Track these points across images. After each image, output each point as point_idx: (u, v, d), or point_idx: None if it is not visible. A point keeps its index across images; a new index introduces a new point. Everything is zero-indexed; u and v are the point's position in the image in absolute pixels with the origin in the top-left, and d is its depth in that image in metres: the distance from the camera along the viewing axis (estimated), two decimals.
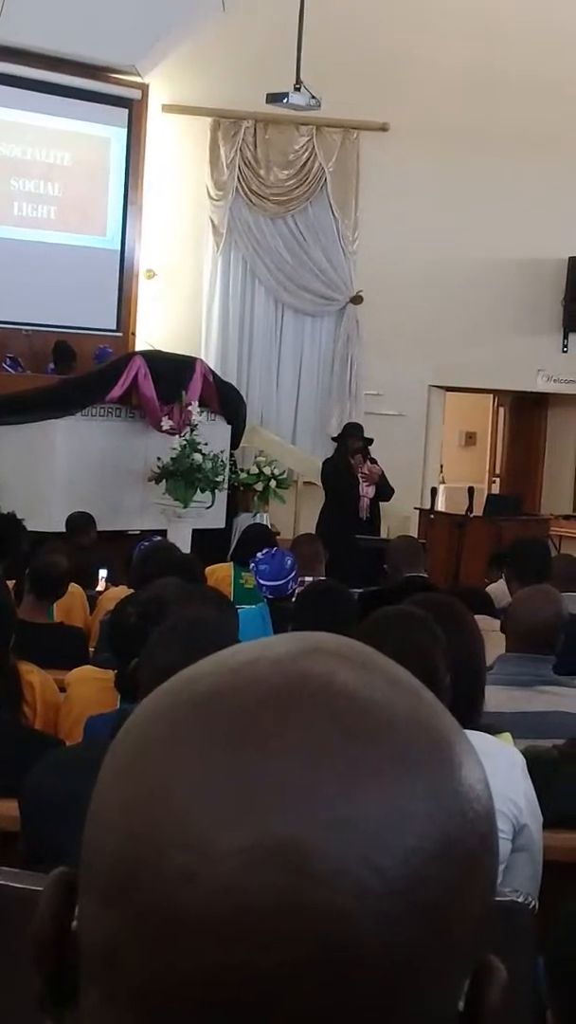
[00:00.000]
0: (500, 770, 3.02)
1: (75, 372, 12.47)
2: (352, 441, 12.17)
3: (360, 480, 11.83)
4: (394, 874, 0.63)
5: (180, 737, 0.66)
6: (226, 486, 11.87)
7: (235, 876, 0.62)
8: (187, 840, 0.63)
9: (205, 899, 0.62)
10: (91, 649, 5.77)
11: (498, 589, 7.09)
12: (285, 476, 13.07)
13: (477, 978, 0.68)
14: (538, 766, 3.19)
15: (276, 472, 12.99)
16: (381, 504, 12.11)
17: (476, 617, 3.72)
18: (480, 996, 0.68)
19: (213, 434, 11.71)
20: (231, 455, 12.38)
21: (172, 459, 11.13)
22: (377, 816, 0.64)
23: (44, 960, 0.70)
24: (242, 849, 0.62)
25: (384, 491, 11.99)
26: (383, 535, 11.79)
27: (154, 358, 11.78)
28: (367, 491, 11.91)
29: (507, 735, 3.38)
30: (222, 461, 11.54)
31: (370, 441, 12.18)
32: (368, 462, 11.94)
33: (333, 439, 12.82)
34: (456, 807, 0.66)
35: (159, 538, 8.94)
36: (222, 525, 12.00)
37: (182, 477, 11.13)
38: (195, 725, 0.66)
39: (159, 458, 11.20)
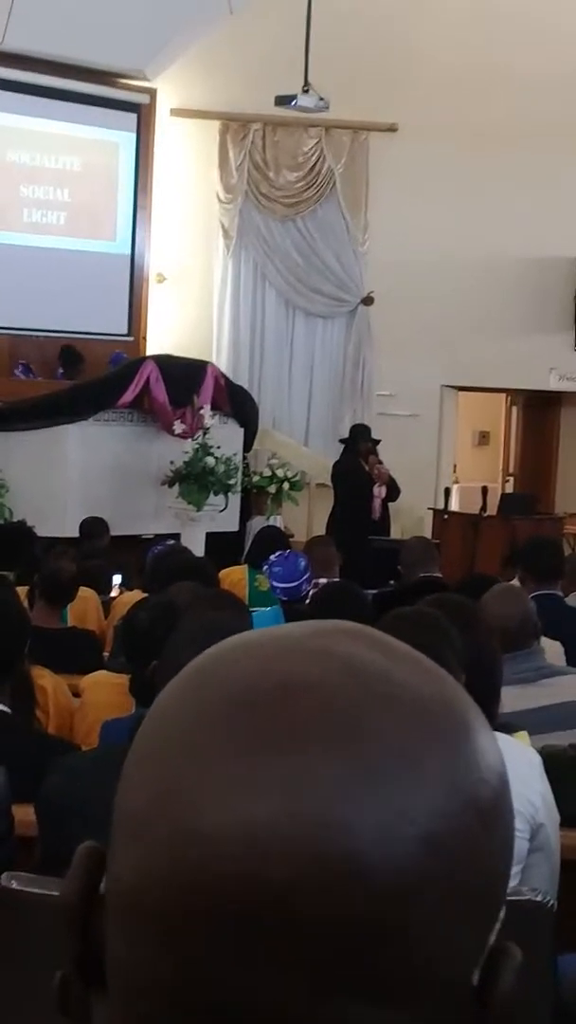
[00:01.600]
0: (517, 770, 3.02)
1: (85, 376, 12.48)
2: (362, 442, 12.17)
3: (373, 481, 11.84)
4: (402, 802, 0.66)
5: (208, 720, 0.69)
6: (239, 489, 11.87)
7: (245, 798, 0.65)
8: (212, 798, 0.66)
9: (218, 821, 0.65)
10: (105, 654, 5.78)
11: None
12: (298, 478, 13.07)
13: (492, 958, 0.70)
14: (553, 766, 3.18)
15: (289, 474, 12.99)
16: (390, 504, 12.11)
17: None
18: (494, 976, 0.70)
19: (225, 437, 11.71)
20: (244, 458, 12.38)
21: (185, 463, 11.13)
22: (395, 772, 0.67)
23: (72, 924, 0.73)
24: (258, 790, 0.66)
25: (392, 491, 12.00)
26: (395, 536, 11.79)
27: (166, 362, 11.79)
28: (379, 492, 11.91)
29: (523, 734, 3.38)
30: (235, 464, 11.54)
31: (377, 442, 12.19)
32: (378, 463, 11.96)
33: (341, 441, 12.81)
34: (473, 767, 0.69)
35: (173, 542, 8.95)
36: (235, 528, 12.00)
37: (195, 481, 11.13)
38: (225, 709, 0.69)
39: (172, 462, 11.20)
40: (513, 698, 4.08)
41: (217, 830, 0.65)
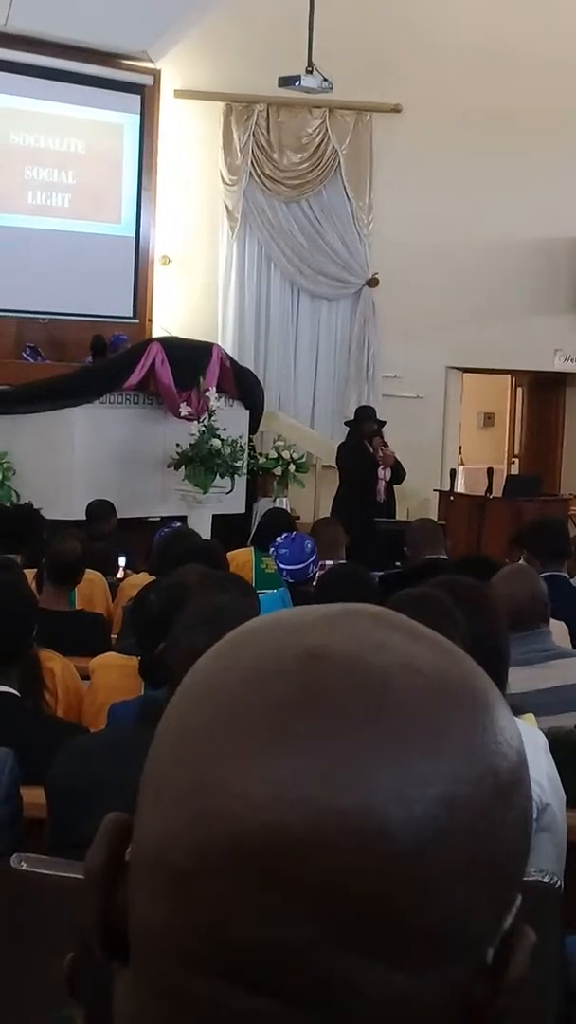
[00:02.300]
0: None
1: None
2: (367, 425, 12.16)
3: (379, 463, 11.83)
4: (422, 766, 0.68)
5: (239, 684, 0.71)
6: (245, 471, 11.87)
7: (270, 755, 0.68)
8: (238, 755, 0.69)
9: (241, 775, 0.68)
10: (113, 636, 5.79)
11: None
12: (304, 460, 13.08)
13: (507, 940, 0.72)
14: (559, 747, 3.19)
15: (295, 456, 12.99)
16: (395, 487, 12.11)
17: None
18: (508, 957, 0.71)
19: (231, 419, 11.71)
20: (250, 440, 12.38)
21: (191, 445, 11.13)
22: (416, 739, 0.69)
23: (97, 892, 0.74)
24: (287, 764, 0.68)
25: (398, 473, 12.01)
26: (401, 517, 11.79)
27: (171, 344, 11.78)
28: (383, 474, 11.92)
29: (531, 716, 3.39)
30: (241, 446, 11.54)
31: (383, 423, 12.19)
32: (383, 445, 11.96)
33: (346, 424, 12.80)
34: (491, 740, 0.72)
35: (179, 524, 8.95)
36: (242, 510, 12.01)
37: (201, 463, 11.13)
38: (256, 674, 0.71)
39: (178, 444, 11.20)
40: (520, 679, 4.09)
41: (240, 784, 0.67)
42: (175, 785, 0.70)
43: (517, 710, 3.32)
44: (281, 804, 0.66)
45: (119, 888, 0.73)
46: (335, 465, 12.46)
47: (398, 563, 7.92)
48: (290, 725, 0.68)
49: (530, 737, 3.12)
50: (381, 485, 11.91)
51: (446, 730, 0.70)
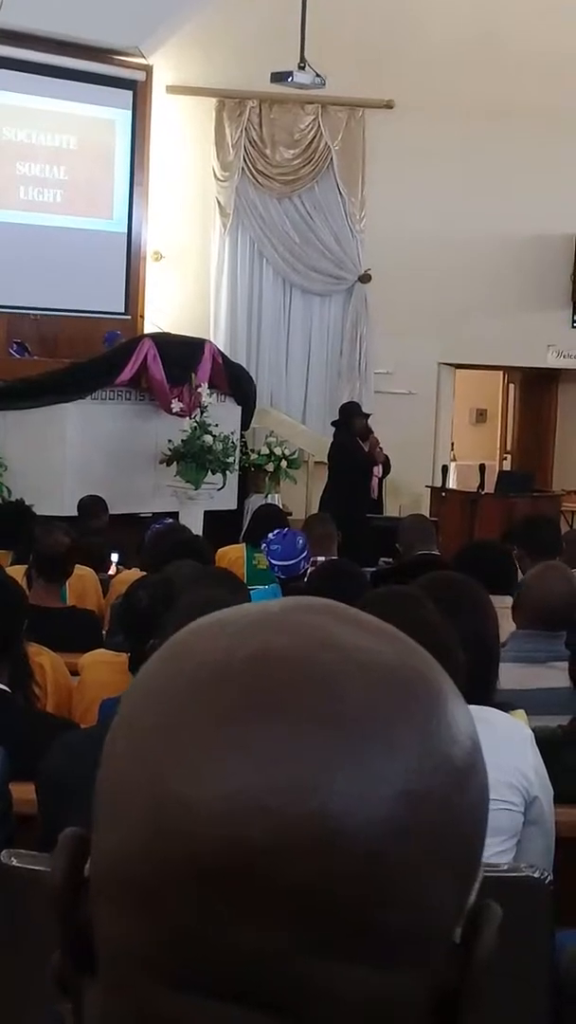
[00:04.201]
0: (511, 743, 3.03)
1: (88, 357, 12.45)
2: (358, 421, 12.17)
3: (374, 460, 11.88)
4: (377, 764, 0.67)
5: (185, 692, 0.70)
6: (237, 467, 11.86)
7: (222, 765, 0.67)
8: (191, 767, 0.68)
9: (197, 788, 0.67)
10: (104, 632, 5.78)
11: None
12: (296, 456, 13.08)
13: (473, 916, 0.72)
14: (543, 745, 3.19)
15: (287, 452, 12.99)
16: (384, 480, 12.16)
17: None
18: (476, 932, 0.72)
19: (223, 416, 11.70)
20: (242, 436, 12.38)
21: (183, 441, 11.12)
22: (368, 736, 0.68)
23: (59, 909, 0.74)
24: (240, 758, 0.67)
25: (385, 468, 12.08)
26: (393, 513, 11.80)
27: (163, 340, 11.77)
28: (378, 471, 11.95)
29: (521, 712, 3.39)
30: (233, 442, 11.53)
31: (367, 416, 12.25)
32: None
33: (333, 423, 12.76)
34: (445, 730, 0.71)
35: (171, 520, 8.95)
36: (234, 506, 12.00)
37: (193, 459, 11.13)
38: (202, 681, 0.70)
39: (170, 440, 11.19)
40: (521, 676, 4.09)
41: (196, 797, 0.66)
42: (130, 801, 0.69)
43: (508, 706, 3.32)
44: (238, 816, 0.65)
45: (81, 904, 0.73)
46: (327, 462, 12.46)
47: (390, 559, 7.92)
48: (241, 733, 0.67)
49: (518, 732, 3.13)
50: (374, 481, 11.94)
51: (399, 724, 0.69)
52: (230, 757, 0.67)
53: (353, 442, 12.03)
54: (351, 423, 12.22)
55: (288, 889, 0.65)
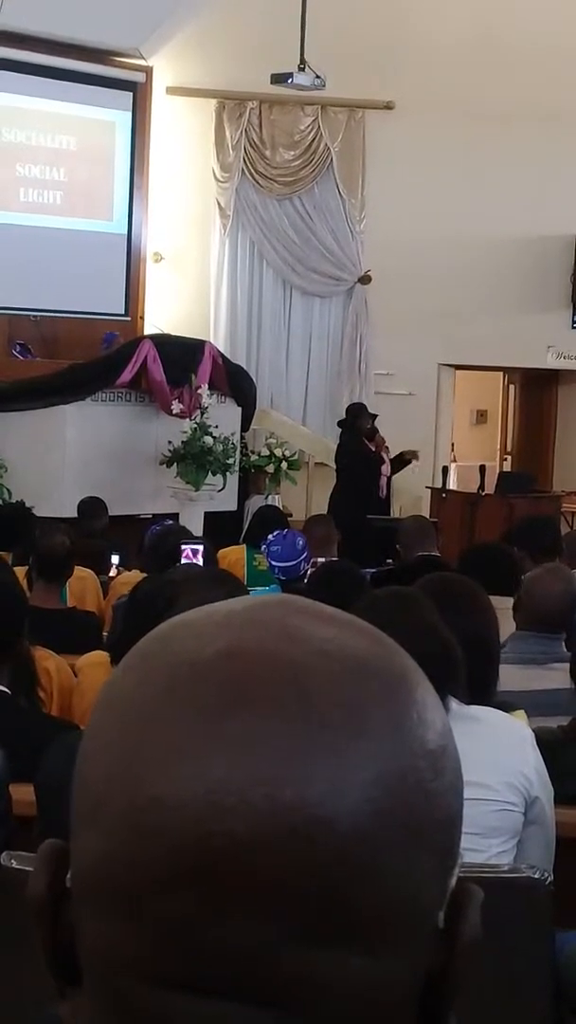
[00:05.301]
0: (511, 744, 3.03)
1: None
2: (363, 421, 12.19)
3: (382, 460, 11.93)
4: (350, 750, 0.68)
5: (155, 694, 0.71)
6: (237, 469, 11.86)
7: (196, 763, 0.67)
8: (164, 766, 0.68)
9: (172, 786, 0.67)
10: (104, 634, 5.78)
11: None
12: (296, 457, 13.08)
13: (455, 899, 0.73)
14: (543, 746, 3.19)
15: (287, 454, 12.99)
16: (392, 480, 12.21)
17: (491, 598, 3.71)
18: (459, 915, 0.72)
19: (223, 417, 11.70)
20: (242, 437, 12.37)
21: (183, 442, 11.12)
22: (340, 723, 0.69)
23: (42, 920, 0.75)
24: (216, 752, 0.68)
25: (396, 465, 12.14)
26: (394, 515, 11.81)
27: (163, 342, 11.77)
28: (386, 470, 11.99)
29: (521, 712, 3.39)
30: (233, 444, 11.53)
31: (374, 416, 12.28)
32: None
33: (339, 424, 12.78)
34: (416, 714, 0.72)
35: (171, 522, 8.95)
36: (234, 508, 12.00)
37: (193, 460, 11.13)
38: (170, 682, 0.71)
39: (170, 442, 11.19)
40: (522, 677, 4.09)
41: (172, 795, 0.67)
42: (109, 805, 0.69)
43: (508, 706, 3.32)
44: (217, 813, 0.66)
45: (63, 915, 0.73)
46: (332, 463, 12.48)
47: (390, 560, 7.92)
48: (216, 731, 0.68)
49: (519, 732, 3.12)
50: (383, 481, 11.98)
51: (370, 711, 0.70)
52: (203, 754, 0.67)
53: (360, 443, 12.05)
54: (357, 423, 12.24)
55: (270, 881, 0.66)
